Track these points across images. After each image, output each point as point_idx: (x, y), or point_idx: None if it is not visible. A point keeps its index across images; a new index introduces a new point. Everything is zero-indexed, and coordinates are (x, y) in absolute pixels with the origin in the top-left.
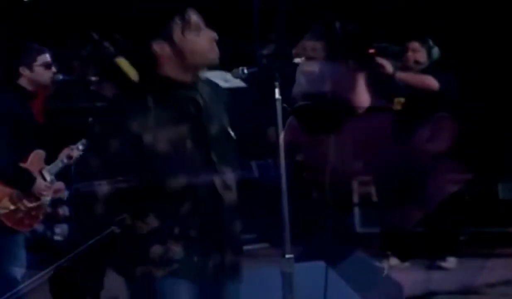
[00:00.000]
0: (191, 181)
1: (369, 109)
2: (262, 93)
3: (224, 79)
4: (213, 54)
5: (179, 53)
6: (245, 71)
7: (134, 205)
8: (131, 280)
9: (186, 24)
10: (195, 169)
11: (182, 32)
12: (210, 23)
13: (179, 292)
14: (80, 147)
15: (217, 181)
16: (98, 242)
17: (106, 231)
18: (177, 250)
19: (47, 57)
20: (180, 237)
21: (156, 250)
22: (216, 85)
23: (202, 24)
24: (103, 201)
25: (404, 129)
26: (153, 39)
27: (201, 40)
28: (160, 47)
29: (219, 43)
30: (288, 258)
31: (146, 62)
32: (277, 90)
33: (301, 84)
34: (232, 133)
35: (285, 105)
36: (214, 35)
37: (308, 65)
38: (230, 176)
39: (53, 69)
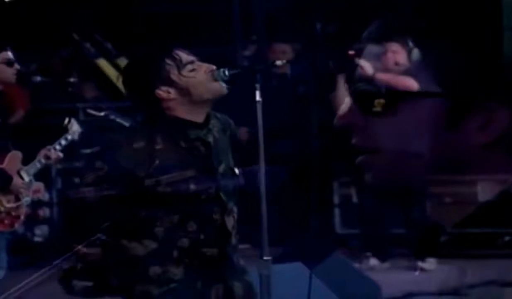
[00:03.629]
0: (198, 221)
1: (420, 95)
2: (244, 95)
3: None
4: (216, 85)
5: (184, 92)
6: (227, 73)
7: (133, 227)
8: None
9: (179, 62)
10: (202, 208)
11: (178, 72)
12: (193, 27)
13: None
14: (58, 147)
15: (226, 219)
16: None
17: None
18: (176, 271)
19: (8, 54)
20: (181, 260)
21: (155, 270)
22: (226, 119)
23: (194, 59)
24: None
25: (455, 117)
26: (155, 86)
27: (199, 75)
28: (164, 92)
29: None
30: (266, 260)
31: (155, 108)
32: (257, 92)
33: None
34: (236, 170)
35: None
36: (211, 67)
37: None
38: (235, 214)
39: (16, 66)
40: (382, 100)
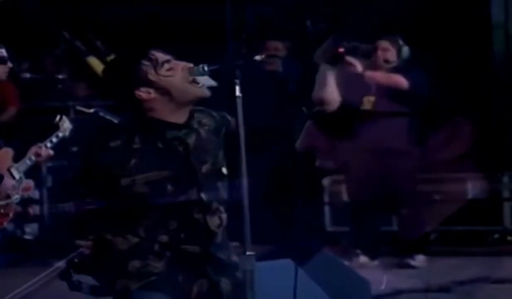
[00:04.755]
0: (175, 217)
1: (384, 114)
2: (223, 91)
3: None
4: (193, 84)
5: (163, 91)
6: (206, 68)
7: (116, 223)
8: (111, 293)
9: (155, 62)
10: (182, 207)
11: (156, 71)
12: (185, 26)
13: None
14: (49, 145)
15: (209, 219)
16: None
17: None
18: (157, 266)
19: (2, 52)
20: (162, 255)
21: (136, 264)
22: (223, 117)
23: (170, 58)
24: (86, 221)
25: (420, 133)
26: (134, 87)
27: (177, 72)
28: (144, 92)
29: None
30: (249, 255)
31: (136, 109)
32: (237, 88)
33: (319, 89)
34: (225, 170)
35: (304, 109)
36: (188, 65)
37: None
38: (223, 214)
39: (9, 64)
40: (371, 98)
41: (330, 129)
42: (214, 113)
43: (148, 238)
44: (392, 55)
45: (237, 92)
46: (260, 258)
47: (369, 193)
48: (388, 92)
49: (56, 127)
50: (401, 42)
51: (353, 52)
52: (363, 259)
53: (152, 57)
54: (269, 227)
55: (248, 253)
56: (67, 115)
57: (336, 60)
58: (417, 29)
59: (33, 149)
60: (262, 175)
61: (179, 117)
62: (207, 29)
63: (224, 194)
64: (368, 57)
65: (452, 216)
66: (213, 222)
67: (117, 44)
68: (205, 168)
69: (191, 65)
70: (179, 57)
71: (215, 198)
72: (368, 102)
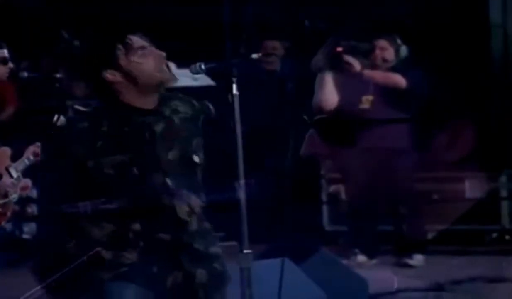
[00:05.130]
0: (144, 204)
1: (383, 115)
2: (220, 88)
3: (193, 78)
4: (164, 74)
5: (129, 78)
6: (203, 66)
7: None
8: (82, 283)
9: (129, 48)
10: (149, 193)
11: (127, 57)
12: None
13: (126, 295)
14: None
15: (176, 206)
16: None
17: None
18: (129, 256)
19: (4, 52)
20: (135, 244)
21: (107, 253)
22: (204, 106)
23: (147, 46)
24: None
25: (419, 134)
26: (103, 68)
27: (148, 61)
28: (111, 75)
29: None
30: (246, 253)
31: (103, 90)
32: (234, 86)
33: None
34: (196, 158)
35: (305, 117)
36: (162, 54)
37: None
38: (192, 200)
39: (10, 64)
40: (370, 97)
41: (332, 135)
42: (194, 102)
43: (120, 226)
44: (390, 54)
45: (234, 91)
46: (257, 256)
47: (369, 193)
48: (387, 91)
49: (54, 126)
50: (399, 41)
51: (352, 52)
52: (361, 258)
53: (128, 41)
54: (267, 226)
55: (245, 251)
56: (65, 115)
57: (334, 60)
58: (416, 29)
59: (31, 148)
60: (260, 173)
61: (147, 103)
62: (205, 29)
63: (197, 182)
64: (367, 56)
65: (450, 215)
66: (181, 209)
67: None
68: (171, 155)
69: (164, 54)
70: (179, 56)
71: (184, 185)
72: (366, 101)
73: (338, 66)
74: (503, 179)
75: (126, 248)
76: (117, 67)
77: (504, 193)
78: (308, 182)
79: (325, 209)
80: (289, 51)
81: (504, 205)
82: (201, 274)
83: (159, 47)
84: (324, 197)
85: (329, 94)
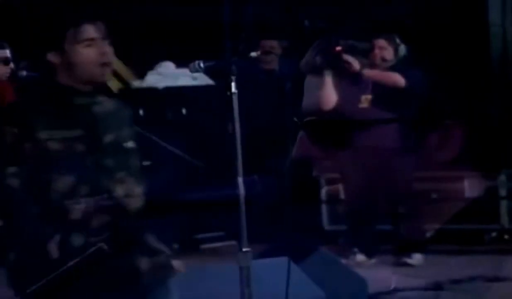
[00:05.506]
0: (84, 184)
1: (377, 121)
2: (219, 87)
3: (192, 77)
4: (103, 68)
5: (70, 64)
6: (202, 65)
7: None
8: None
9: (78, 36)
10: (88, 173)
11: (73, 44)
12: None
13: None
14: None
15: (115, 187)
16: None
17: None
18: (75, 239)
19: (6, 52)
20: (80, 226)
21: (52, 234)
22: (123, 106)
23: (97, 38)
24: None
25: (417, 133)
26: (49, 49)
27: (92, 53)
28: (54, 57)
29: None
30: (245, 252)
31: (45, 70)
32: (233, 84)
33: (309, 98)
34: (130, 145)
35: (295, 119)
36: (109, 50)
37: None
38: (130, 184)
39: (11, 65)
40: (369, 96)
41: (323, 137)
42: (113, 101)
43: (63, 206)
44: (389, 53)
45: (233, 89)
46: (257, 256)
47: (367, 193)
48: (385, 91)
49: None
50: (398, 41)
51: (351, 51)
52: (360, 257)
53: (81, 29)
54: (266, 225)
55: (244, 249)
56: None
57: (334, 60)
58: (415, 29)
59: None
60: (259, 172)
61: (84, 87)
62: (204, 28)
63: (134, 168)
64: (366, 56)
65: (449, 214)
66: (119, 190)
67: (116, 43)
68: (108, 138)
69: (108, 51)
70: (178, 56)
71: (121, 168)
72: (365, 100)
73: (337, 65)
74: (502, 178)
75: (71, 229)
76: (61, 51)
77: (503, 193)
78: (303, 183)
79: (324, 208)
80: (289, 51)
81: (503, 204)
82: (145, 264)
83: (159, 46)
84: (323, 197)
85: (328, 94)
